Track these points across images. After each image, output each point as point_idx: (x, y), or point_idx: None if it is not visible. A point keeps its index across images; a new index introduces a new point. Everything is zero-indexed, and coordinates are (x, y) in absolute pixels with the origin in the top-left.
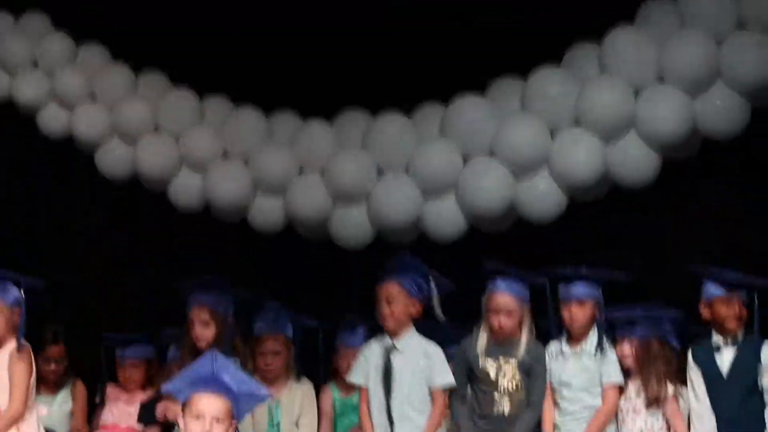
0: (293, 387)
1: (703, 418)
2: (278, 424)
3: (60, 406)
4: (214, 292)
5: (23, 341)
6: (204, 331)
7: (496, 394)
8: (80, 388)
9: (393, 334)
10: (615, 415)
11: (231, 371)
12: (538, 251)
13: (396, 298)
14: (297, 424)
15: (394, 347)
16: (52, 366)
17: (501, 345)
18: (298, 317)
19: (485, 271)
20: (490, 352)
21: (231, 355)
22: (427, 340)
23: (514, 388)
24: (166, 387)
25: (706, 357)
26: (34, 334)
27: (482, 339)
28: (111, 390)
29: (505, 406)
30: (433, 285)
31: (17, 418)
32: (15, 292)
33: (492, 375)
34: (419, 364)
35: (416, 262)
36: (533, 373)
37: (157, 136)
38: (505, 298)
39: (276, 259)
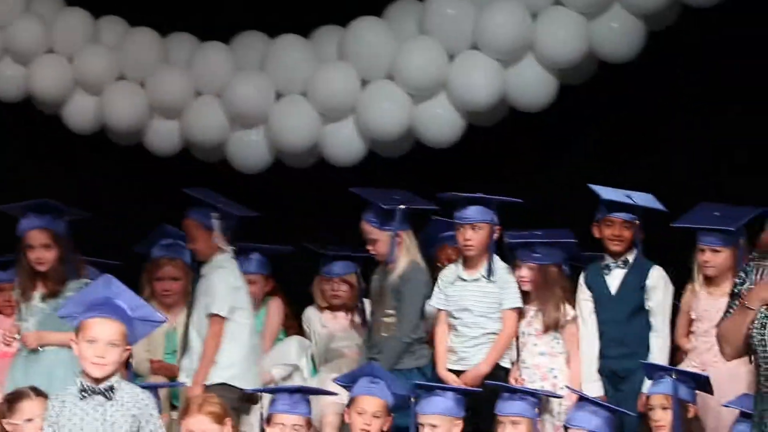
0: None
1: (588, 339)
2: (175, 352)
3: None
4: (49, 215)
5: None
6: (45, 253)
7: (380, 319)
8: None
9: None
10: (515, 339)
11: (126, 296)
12: (436, 175)
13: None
14: None
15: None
16: None
17: (384, 271)
18: None
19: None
20: (376, 279)
21: (74, 277)
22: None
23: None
24: (61, 311)
25: (596, 277)
26: None
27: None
28: None
29: (383, 332)
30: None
31: None
32: None
33: (376, 300)
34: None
35: None
36: (401, 298)
37: (50, 56)
38: (366, 227)
39: (172, 181)
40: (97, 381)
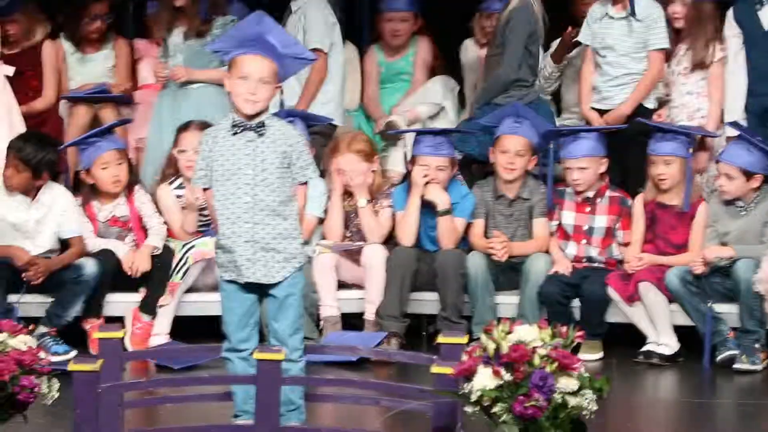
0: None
1: (735, 75)
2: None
3: (103, 62)
4: None
5: None
6: None
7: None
8: (122, 44)
9: None
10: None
11: (277, 32)
12: None
13: None
14: None
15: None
16: (97, 23)
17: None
18: None
19: None
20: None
21: (212, 13)
22: None
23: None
24: (212, 46)
25: (747, 12)
26: None
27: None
28: (142, 45)
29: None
30: None
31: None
32: None
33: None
34: None
35: None
36: (505, 35)
37: None
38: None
39: None
40: (249, 117)
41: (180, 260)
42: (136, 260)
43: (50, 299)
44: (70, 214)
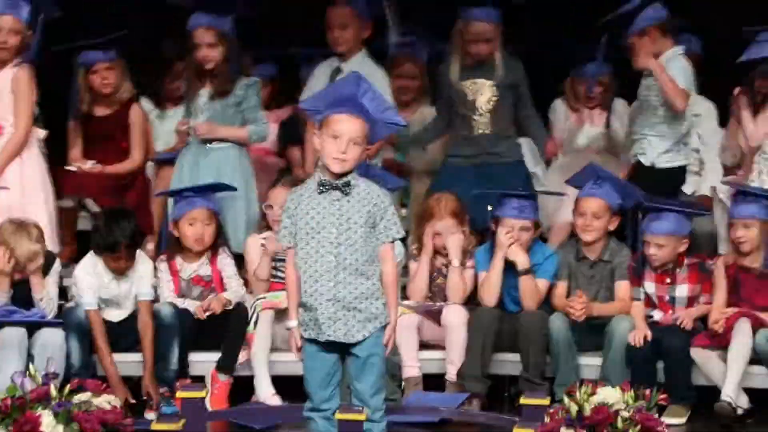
0: (424, 112)
1: None
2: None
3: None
4: (216, 11)
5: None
6: (210, 52)
7: (475, 116)
8: None
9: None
10: None
11: (372, 95)
12: None
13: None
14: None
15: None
16: (177, 84)
17: (477, 68)
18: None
19: None
20: (465, 75)
21: (239, 74)
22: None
23: (493, 106)
24: (305, 104)
25: None
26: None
27: (455, 64)
28: None
29: (484, 125)
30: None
31: (22, 142)
32: (28, 11)
33: (469, 96)
34: None
35: None
36: (519, 93)
37: None
38: (483, 26)
39: None
40: (336, 176)
41: (250, 309)
42: (212, 303)
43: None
44: (146, 279)
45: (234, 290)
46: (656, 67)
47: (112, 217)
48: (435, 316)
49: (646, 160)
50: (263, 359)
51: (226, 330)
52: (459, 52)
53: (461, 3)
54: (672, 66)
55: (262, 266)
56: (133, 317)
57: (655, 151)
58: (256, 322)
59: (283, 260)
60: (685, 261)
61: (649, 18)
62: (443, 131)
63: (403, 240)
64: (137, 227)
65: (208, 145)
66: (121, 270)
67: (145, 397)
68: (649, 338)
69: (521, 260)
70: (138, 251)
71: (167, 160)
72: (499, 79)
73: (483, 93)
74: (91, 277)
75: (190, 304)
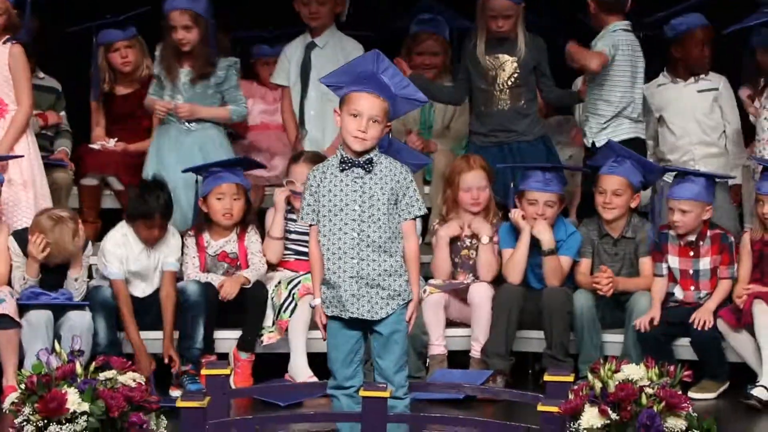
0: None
1: None
2: (430, 127)
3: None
4: None
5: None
6: (186, 34)
7: (495, 91)
8: None
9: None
10: None
11: (391, 72)
12: None
13: None
14: (449, 127)
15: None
16: None
17: (499, 44)
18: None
19: None
20: (488, 51)
21: (218, 55)
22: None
23: (513, 83)
24: (325, 79)
25: None
26: None
27: (481, 39)
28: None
29: (504, 101)
30: None
31: (27, 118)
32: None
33: (491, 72)
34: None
35: None
36: (541, 70)
37: None
38: (503, 2)
39: None
40: (357, 154)
41: (287, 298)
42: (226, 285)
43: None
44: (174, 251)
45: (254, 267)
46: (570, 48)
47: (147, 187)
48: (461, 293)
49: (587, 141)
50: (303, 343)
51: (246, 308)
52: (483, 27)
53: None
54: (602, 38)
55: (274, 224)
56: (158, 293)
57: (593, 129)
58: (293, 310)
59: (300, 232)
60: (708, 232)
61: None
62: (454, 100)
63: (425, 217)
64: (170, 199)
65: (187, 125)
66: (152, 240)
67: (166, 361)
68: (656, 322)
69: (546, 239)
70: (169, 225)
71: None
72: (521, 56)
73: (505, 69)
74: (119, 248)
75: (214, 279)
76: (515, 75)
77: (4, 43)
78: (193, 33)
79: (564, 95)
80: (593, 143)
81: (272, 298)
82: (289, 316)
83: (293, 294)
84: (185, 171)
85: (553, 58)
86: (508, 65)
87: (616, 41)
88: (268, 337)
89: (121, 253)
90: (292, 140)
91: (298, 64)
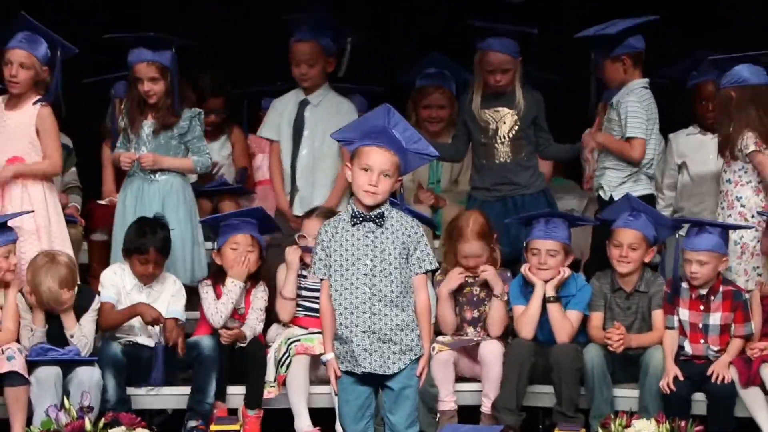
0: None
1: None
2: (439, 181)
3: (218, 151)
4: (157, 47)
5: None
6: (152, 86)
7: (497, 143)
8: (238, 132)
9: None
10: None
11: (402, 127)
12: None
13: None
14: (457, 181)
15: (308, 102)
16: (212, 117)
17: (498, 97)
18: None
19: (474, 30)
20: (487, 104)
21: (181, 107)
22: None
23: (515, 135)
24: (337, 135)
25: None
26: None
27: (477, 93)
28: (256, 141)
29: (505, 154)
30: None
31: (55, 172)
32: (45, 48)
33: (492, 125)
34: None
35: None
36: (538, 124)
37: None
38: (500, 57)
39: None
40: (369, 208)
41: (284, 353)
42: (228, 333)
43: (177, 390)
44: (178, 298)
45: (249, 325)
46: (604, 140)
47: (146, 223)
48: (470, 350)
49: (604, 194)
50: (301, 400)
51: (246, 367)
52: (480, 81)
53: (479, 35)
54: (630, 99)
55: (287, 284)
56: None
57: (612, 183)
58: (288, 365)
59: (311, 289)
60: (720, 288)
61: (627, 46)
62: (454, 157)
63: (435, 271)
64: (168, 239)
65: (152, 175)
66: (147, 277)
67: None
68: (681, 378)
69: (545, 285)
70: (169, 273)
71: (202, 192)
72: (520, 109)
73: (506, 121)
74: (115, 276)
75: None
76: (516, 127)
77: (34, 104)
78: (160, 84)
79: (562, 150)
80: (611, 197)
81: (275, 353)
82: (285, 371)
83: (290, 349)
84: (202, 222)
85: (551, 112)
86: (508, 118)
87: (642, 103)
88: (268, 392)
89: (116, 280)
90: (279, 196)
91: (290, 120)
